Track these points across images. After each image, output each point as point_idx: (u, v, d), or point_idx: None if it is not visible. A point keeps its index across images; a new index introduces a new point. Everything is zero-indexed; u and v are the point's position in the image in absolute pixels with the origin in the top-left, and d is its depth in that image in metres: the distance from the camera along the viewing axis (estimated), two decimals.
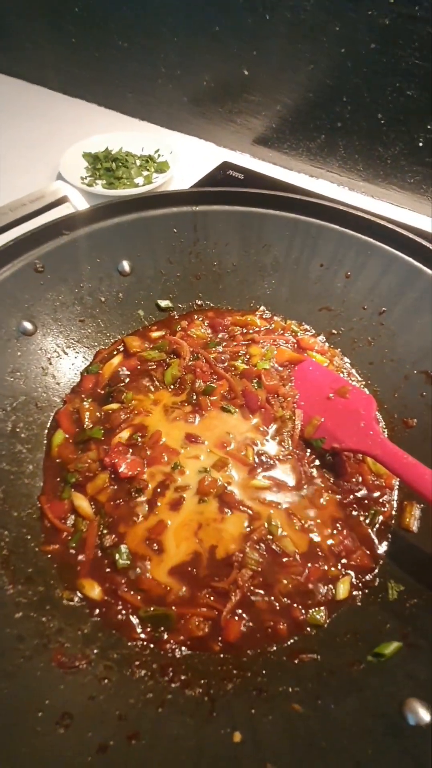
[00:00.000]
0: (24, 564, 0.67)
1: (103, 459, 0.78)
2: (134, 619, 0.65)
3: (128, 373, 0.91)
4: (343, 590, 0.68)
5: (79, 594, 0.67)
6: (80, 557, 0.70)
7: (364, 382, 0.92)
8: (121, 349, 0.95)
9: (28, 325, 0.82)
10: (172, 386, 0.89)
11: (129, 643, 0.63)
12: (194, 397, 0.87)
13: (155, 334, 0.98)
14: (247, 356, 0.93)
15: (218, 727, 0.53)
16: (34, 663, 0.57)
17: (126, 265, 0.94)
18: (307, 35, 1.19)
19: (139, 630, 0.64)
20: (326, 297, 0.96)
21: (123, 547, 0.70)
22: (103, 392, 0.88)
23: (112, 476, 0.77)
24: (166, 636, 0.64)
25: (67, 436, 0.82)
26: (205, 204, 0.93)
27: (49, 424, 0.83)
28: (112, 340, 0.96)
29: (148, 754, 0.51)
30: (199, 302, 1.02)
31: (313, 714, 0.54)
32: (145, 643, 0.63)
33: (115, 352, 0.94)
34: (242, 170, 1.43)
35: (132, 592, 0.67)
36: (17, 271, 0.79)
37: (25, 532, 0.71)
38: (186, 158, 1.49)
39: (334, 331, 0.97)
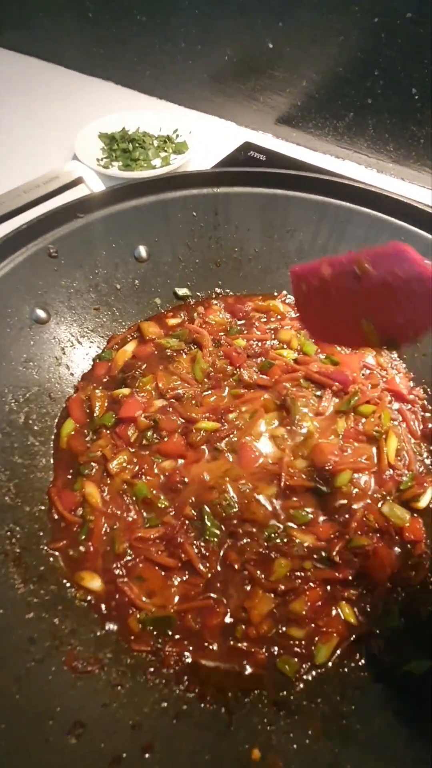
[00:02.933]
0: (36, 562, 0.64)
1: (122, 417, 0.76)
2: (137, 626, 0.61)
3: (143, 359, 0.86)
4: (324, 653, 0.59)
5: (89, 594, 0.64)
6: (85, 549, 0.67)
7: None
8: (136, 335, 0.91)
9: (41, 313, 0.79)
10: (206, 381, 0.83)
11: None
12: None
13: (172, 321, 0.93)
14: (283, 345, 0.88)
15: (236, 742, 0.51)
16: (45, 666, 0.55)
17: (143, 251, 0.89)
18: (338, 4, 1.11)
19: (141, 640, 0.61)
20: None
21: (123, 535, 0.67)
22: (115, 379, 0.84)
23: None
24: (168, 648, 0.60)
25: (78, 425, 0.79)
26: (227, 185, 0.88)
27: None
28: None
29: (162, 767, 0.49)
30: (218, 290, 0.97)
31: (337, 733, 0.51)
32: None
33: (129, 338, 0.90)
34: (264, 151, 1.36)
35: (133, 585, 0.64)
36: (30, 256, 0.76)
37: (38, 528, 0.68)
38: (205, 139, 1.42)
39: None
